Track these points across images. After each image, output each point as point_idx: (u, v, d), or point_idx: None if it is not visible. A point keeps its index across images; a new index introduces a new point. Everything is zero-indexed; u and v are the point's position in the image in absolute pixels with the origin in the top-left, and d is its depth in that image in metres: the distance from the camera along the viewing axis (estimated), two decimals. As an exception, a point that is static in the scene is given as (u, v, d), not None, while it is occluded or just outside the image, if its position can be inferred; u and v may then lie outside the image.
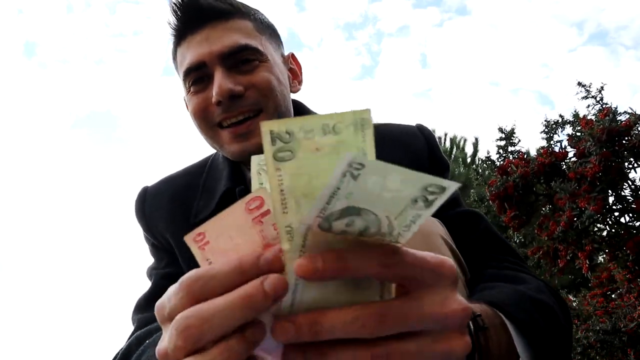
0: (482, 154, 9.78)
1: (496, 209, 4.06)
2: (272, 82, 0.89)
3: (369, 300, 0.36)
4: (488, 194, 3.98)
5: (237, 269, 0.35)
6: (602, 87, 3.89)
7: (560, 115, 4.24)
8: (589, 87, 3.93)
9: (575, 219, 3.52)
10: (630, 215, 3.73)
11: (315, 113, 1.08)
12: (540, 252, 4.02)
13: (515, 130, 4.56)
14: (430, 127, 1.06)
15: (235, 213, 0.37)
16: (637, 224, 3.80)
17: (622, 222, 3.76)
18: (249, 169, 0.95)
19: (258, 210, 0.37)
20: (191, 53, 0.89)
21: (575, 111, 4.23)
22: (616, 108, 3.65)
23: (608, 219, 3.77)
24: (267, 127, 0.33)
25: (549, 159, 3.85)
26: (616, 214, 3.75)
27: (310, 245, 0.34)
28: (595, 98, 3.89)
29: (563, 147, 3.98)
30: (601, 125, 3.49)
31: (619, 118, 3.54)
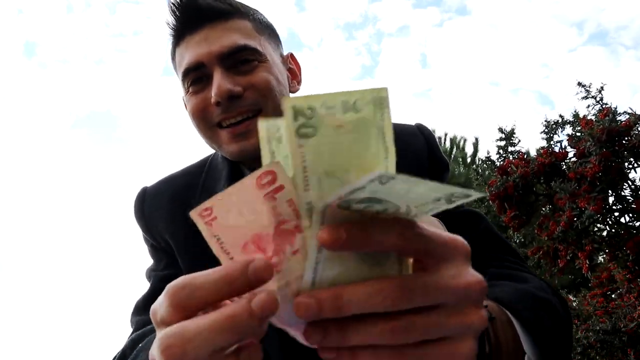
0: (482, 154, 9.80)
1: (496, 209, 4.06)
2: (271, 83, 0.89)
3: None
4: (488, 193, 3.98)
5: (224, 278, 0.33)
6: (602, 87, 3.90)
7: (560, 116, 4.26)
8: (589, 87, 3.93)
9: (575, 219, 3.52)
10: (630, 215, 3.73)
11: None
12: (540, 252, 4.03)
13: (515, 131, 4.57)
14: (430, 127, 1.06)
15: (245, 188, 0.35)
16: (637, 224, 3.80)
17: (622, 222, 3.76)
18: (248, 169, 0.94)
19: (270, 185, 0.34)
20: (190, 53, 0.89)
21: (575, 111, 4.24)
22: (616, 108, 3.66)
23: (608, 219, 3.77)
24: (290, 102, 0.32)
25: (549, 159, 3.85)
26: (616, 214, 3.75)
27: (329, 222, 0.34)
28: (595, 98, 3.89)
29: (563, 147, 3.98)
30: (601, 126, 3.49)
31: (619, 118, 3.54)
